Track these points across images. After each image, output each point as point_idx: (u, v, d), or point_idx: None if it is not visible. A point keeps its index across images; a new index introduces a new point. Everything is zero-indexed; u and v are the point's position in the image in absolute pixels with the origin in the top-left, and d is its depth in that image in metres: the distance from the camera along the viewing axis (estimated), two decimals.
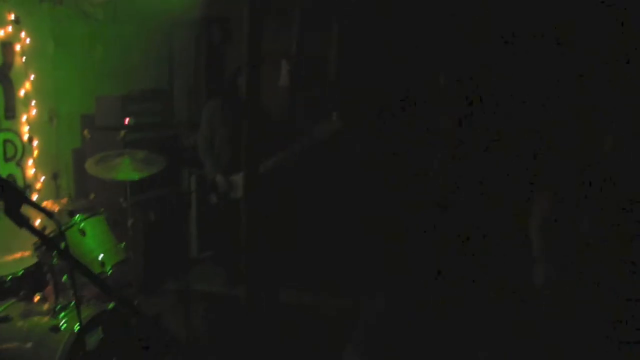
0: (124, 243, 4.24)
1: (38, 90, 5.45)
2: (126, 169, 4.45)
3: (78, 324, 3.50)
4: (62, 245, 2.61)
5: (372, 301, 5.30)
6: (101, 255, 3.89)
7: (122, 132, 5.24)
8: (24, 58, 5.30)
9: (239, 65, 5.61)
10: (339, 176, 5.88)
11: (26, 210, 1.70)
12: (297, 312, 5.30)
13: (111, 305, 3.83)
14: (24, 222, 1.61)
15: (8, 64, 5.20)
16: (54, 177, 4.86)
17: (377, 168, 5.69)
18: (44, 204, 4.46)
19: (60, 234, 3.49)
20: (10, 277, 3.98)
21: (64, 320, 3.57)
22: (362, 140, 5.75)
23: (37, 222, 4.66)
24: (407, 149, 5.50)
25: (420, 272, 5.20)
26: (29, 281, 4.12)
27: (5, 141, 5.22)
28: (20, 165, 5.37)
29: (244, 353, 4.43)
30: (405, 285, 5.29)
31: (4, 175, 4.95)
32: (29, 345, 3.55)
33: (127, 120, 5.68)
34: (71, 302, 3.76)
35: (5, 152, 5.22)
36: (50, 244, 1.72)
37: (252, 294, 5.25)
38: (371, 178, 5.70)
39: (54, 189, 4.89)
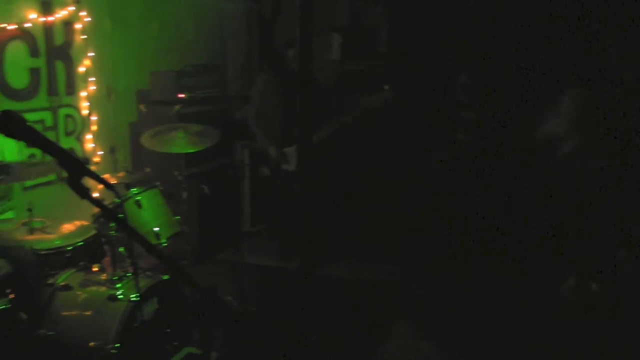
0: (178, 216, 4.31)
1: (96, 66, 5.57)
2: (181, 143, 4.52)
3: (135, 293, 3.60)
4: (121, 216, 2.68)
5: (422, 276, 5.30)
6: (157, 228, 3.96)
7: (177, 107, 5.31)
8: (84, 36, 5.41)
9: (289, 38, 5.63)
10: (390, 148, 5.85)
11: (87, 182, 1.74)
12: (349, 285, 5.33)
13: (166, 276, 3.93)
14: (86, 193, 1.66)
15: (69, 43, 5.32)
16: (111, 150, 4.96)
17: (428, 141, 5.63)
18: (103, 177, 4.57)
19: (120, 205, 3.60)
20: (70, 247, 4.12)
21: (121, 290, 3.68)
22: (413, 111, 5.69)
23: (95, 195, 4.79)
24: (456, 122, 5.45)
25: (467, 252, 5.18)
26: (88, 252, 4.25)
27: (65, 116, 5.36)
28: (80, 139, 5.51)
29: (296, 325, 4.48)
30: (452, 264, 5.27)
31: None
32: (88, 313, 3.68)
33: (181, 95, 5.75)
34: (128, 273, 3.87)
35: (66, 127, 5.37)
36: (110, 214, 1.76)
37: (305, 267, 5.30)
38: (423, 151, 5.64)
39: (111, 162, 5.00)
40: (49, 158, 5.09)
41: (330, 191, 5.68)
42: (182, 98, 5.75)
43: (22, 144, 4.57)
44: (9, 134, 1.66)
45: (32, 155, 5.03)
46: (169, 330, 3.86)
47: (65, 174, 1.65)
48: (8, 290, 3.41)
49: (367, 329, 4.50)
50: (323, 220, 5.50)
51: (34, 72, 5.06)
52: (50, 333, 3.60)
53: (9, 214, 4.28)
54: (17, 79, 4.92)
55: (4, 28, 4.71)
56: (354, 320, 4.66)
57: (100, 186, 1.81)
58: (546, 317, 4.15)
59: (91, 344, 3.45)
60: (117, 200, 3.68)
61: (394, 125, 5.77)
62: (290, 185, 5.50)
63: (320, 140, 5.28)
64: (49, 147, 1.67)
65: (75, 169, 1.65)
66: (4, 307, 3.18)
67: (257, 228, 6.78)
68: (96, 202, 1.71)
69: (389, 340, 4.32)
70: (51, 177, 5.22)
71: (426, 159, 5.58)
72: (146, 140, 4.56)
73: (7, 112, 1.64)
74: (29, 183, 4.97)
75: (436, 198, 5.51)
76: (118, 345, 3.42)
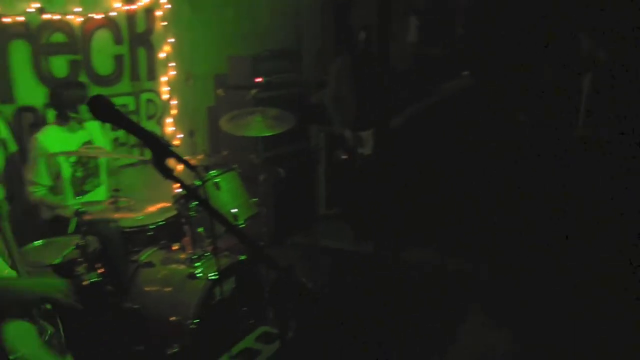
0: (255, 198, 4.41)
1: (176, 52, 5.73)
2: (258, 126, 4.60)
3: (214, 272, 3.73)
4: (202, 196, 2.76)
5: (495, 263, 5.25)
6: (234, 209, 4.07)
7: (254, 91, 5.40)
8: (164, 23, 5.58)
9: (365, 22, 5.63)
10: (467, 134, 5.78)
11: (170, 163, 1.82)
12: (422, 270, 5.32)
13: (244, 256, 4.04)
14: (169, 174, 1.72)
15: (150, 29, 5.49)
16: (190, 134, 5.09)
17: (507, 130, 5.54)
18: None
19: (199, 187, 3.72)
20: (153, 226, 4.29)
21: (200, 269, 3.82)
22: (491, 98, 5.60)
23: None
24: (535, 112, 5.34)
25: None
26: (169, 231, 4.41)
27: (147, 100, 5.56)
28: (160, 123, 5.70)
29: (368, 309, 4.53)
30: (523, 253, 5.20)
31: None
32: (168, 289, 3.84)
33: (258, 79, 5.85)
34: (206, 252, 4.00)
35: (147, 111, 5.56)
36: (192, 193, 1.83)
37: (378, 251, 5.33)
38: (502, 140, 5.56)
39: (190, 145, 5.13)
40: (132, 141, 5.32)
41: (406, 177, 5.67)
42: (258, 82, 5.85)
43: (107, 127, 4.78)
44: (100, 117, 1.75)
45: (116, 138, 5.25)
46: (245, 308, 3.98)
47: (147, 157, 1.73)
48: (97, 265, 3.59)
49: (440, 315, 4.49)
50: (397, 205, 5.51)
51: (118, 58, 5.26)
52: (135, 306, 3.78)
53: (101, 191, 4.48)
54: (103, 65, 5.13)
55: (91, 18, 4.91)
56: (426, 305, 4.65)
57: (180, 168, 1.88)
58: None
59: (172, 318, 3.60)
60: (197, 182, 3.80)
61: (474, 111, 5.69)
62: (366, 169, 5.52)
63: (398, 125, 5.27)
64: (136, 130, 1.74)
65: (159, 150, 1.72)
66: (94, 279, 3.35)
67: (332, 211, 6.84)
68: (179, 181, 1.78)
69: (463, 327, 4.31)
70: (134, 159, 5.44)
71: (506, 147, 5.49)
72: (224, 124, 4.66)
73: (97, 97, 1.73)
74: (113, 165, 5.19)
75: (517, 187, 5.42)
76: (197, 321, 3.55)
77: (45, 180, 4.14)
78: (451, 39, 6.21)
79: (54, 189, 4.22)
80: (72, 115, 4.15)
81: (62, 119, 4.20)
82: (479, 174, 5.69)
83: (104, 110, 1.73)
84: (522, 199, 5.41)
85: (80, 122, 4.19)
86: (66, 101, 4.10)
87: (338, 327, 4.43)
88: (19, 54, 4.46)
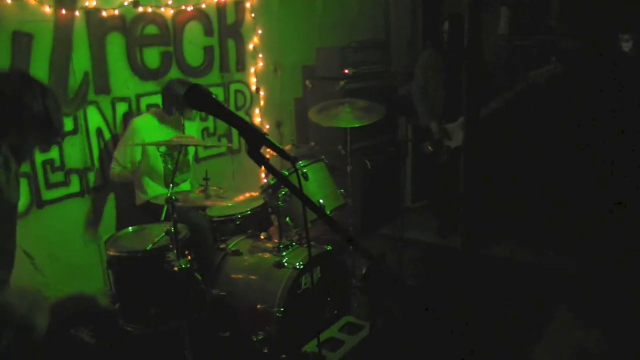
0: (342, 189, 4.39)
1: (265, 43, 5.77)
2: (347, 117, 4.57)
3: (300, 261, 3.74)
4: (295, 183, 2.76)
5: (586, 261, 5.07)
6: (321, 200, 4.06)
7: (342, 82, 5.38)
8: (253, 14, 5.62)
9: (449, 12, 5.54)
10: (559, 125, 5.59)
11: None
12: (511, 267, 5.19)
13: (329, 247, 4.03)
14: (264, 162, 1.72)
15: (239, 21, 5.55)
16: (277, 125, 5.13)
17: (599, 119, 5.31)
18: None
19: (290, 175, 3.73)
20: (240, 215, 4.35)
21: (286, 258, 3.83)
22: (580, 85, 5.38)
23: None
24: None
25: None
26: (256, 220, 4.46)
27: (236, 91, 5.62)
28: (249, 113, 5.76)
29: (454, 303, 4.45)
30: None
31: None
32: (255, 277, 3.87)
33: (346, 71, 5.82)
34: (293, 242, 4.02)
35: (236, 102, 5.63)
36: (285, 181, 1.81)
37: (466, 246, 5.21)
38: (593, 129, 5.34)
39: (277, 136, 5.17)
40: (220, 132, 5.40)
41: (495, 169, 5.54)
42: (346, 74, 5.82)
43: (198, 119, 4.87)
44: (197, 106, 1.77)
45: (205, 129, 5.35)
46: (329, 299, 3.97)
47: (235, 147, 1.72)
48: (187, 252, 3.66)
49: (528, 313, 4.37)
50: (485, 198, 5.38)
51: (208, 50, 5.34)
52: (222, 294, 3.84)
53: (187, 185, 4.59)
54: (194, 56, 5.21)
55: (183, 10, 5.00)
56: (514, 303, 4.54)
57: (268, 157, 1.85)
58: None
59: (258, 306, 3.63)
60: (285, 172, 3.82)
61: (563, 101, 5.50)
62: (453, 161, 5.42)
63: (485, 116, 5.15)
64: (232, 118, 1.74)
65: (255, 138, 1.72)
66: (184, 266, 3.41)
67: (418, 204, 6.76)
68: (273, 169, 1.77)
69: (550, 326, 4.18)
70: (222, 149, 5.53)
71: (599, 138, 5.28)
72: (313, 115, 4.66)
73: (195, 86, 1.74)
74: (202, 154, 5.29)
75: (612, 181, 5.21)
76: (283, 309, 3.57)
77: (127, 162, 4.29)
78: (543, 30, 6.01)
79: (145, 172, 4.35)
80: (176, 113, 4.26)
81: (166, 112, 4.32)
82: (571, 167, 5.50)
83: (201, 99, 1.74)
84: (616, 193, 5.20)
85: (179, 123, 4.27)
86: (176, 97, 4.19)
87: (424, 320, 4.38)
88: (115, 46, 4.59)
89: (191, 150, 4.65)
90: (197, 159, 5.17)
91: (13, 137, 2.11)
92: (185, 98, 1.72)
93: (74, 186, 4.39)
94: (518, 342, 3.98)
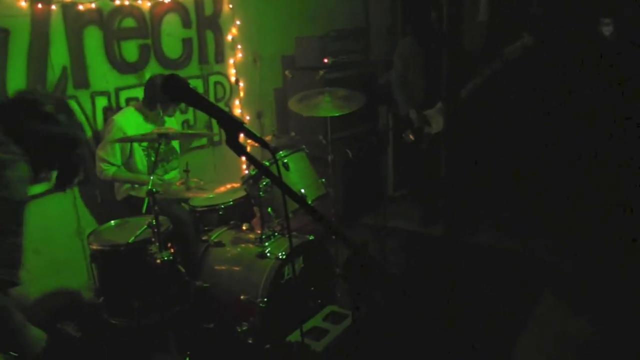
0: (323, 179, 4.40)
1: (243, 34, 5.76)
2: (327, 107, 4.58)
3: (282, 252, 3.75)
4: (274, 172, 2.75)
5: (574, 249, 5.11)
6: (303, 190, 4.07)
7: (322, 72, 5.39)
8: (231, 5, 5.60)
9: (435, 2, 5.54)
10: (540, 107, 5.61)
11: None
12: (494, 254, 5.23)
13: (311, 237, 4.05)
14: (243, 151, 1.72)
15: (217, 12, 5.53)
16: (258, 115, 5.12)
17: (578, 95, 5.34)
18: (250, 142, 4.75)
19: (271, 165, 3.73)
20: (223, 206, 4.35)
21: (268, 248, 3.85)
22: (555, 57, 5.40)
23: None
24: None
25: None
26: (238, 211, 4.47)
27: (215, 83, 5.61)
28: (229, 105, 5.76)
29: (437, 290, 4.49)
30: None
31: None
32: (238, 268, 3.89)
33: (326, 60, 5.83)
34: (275, 232, 4.03)
35: (215, 94, 5.62)
36: (264, 170, 1.82)
37: (448, 233, 5.26)
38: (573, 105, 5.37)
39: (258, 127, 5.16)
40: (200, 125, 5.39)
41: (476, 155, 5.58)
42: (326, 63, 5.82)
43: (177, 112, 4.85)
44: (175, 97, 1.77)
45: (185, 121, 5.34)
46: (313, 288, 4.00)
47: (216, 139, 1.72)
48: (169, 244, 3.66)
49: (512, 299, 4.41)
50: (467, 185, 5.43)
51: (187, 42, 5.32)
52: (205, 285, 3.85)
53: (173, 174, 4.58)
54: (172, 49, 5.19)
55: (160, 2, 4.98)
56: (498, 289, 4.58)
57: (248, 150, 1.86)
58: None
59: (242, 297, 3.64)
60: (266, 163, 3.83)
61: (540, 78, 5.52)
62: (434, 149, 5.45)
63: (464, 97, 5.18)
64: (210, 108, 1.75)
65: (233, 127, 1.72)
66: (166, 258, 3.41)
67: (400, 193, 6.79)
68: (252, 158, 1.78)
69: (534, 312, 4.22)
70: (203, 141, 5.52)
71: (579, 122, 5.32)
72: (293, 105, 4.66)
73: (172, 76, 1.74)
74: (185, 147, 5.27)
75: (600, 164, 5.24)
76: (266, 299, 3.58)
77: (118, 159, 4.27)
78: (523, 18, 6.04)
79: (127, 167, 4.34)
80: (160, 110, 4.25)
81: (148, 107, 4.31)
82: (554, 151, 5.54)
83: (179, 89, 1.74)
84: (601, 177, 5.24)
85: (160, 118, 4.27)
86: (160, 94, 4.17)
87: (407, 308, 4.41)
88: (93, 40, 4.57)
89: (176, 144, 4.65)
90: (181, 151, 5.16)
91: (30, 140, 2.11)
92: (163, 88, 1.73)
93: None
94: (502, 328, 4.02)
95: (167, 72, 5.03)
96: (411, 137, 5.60)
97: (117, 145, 4.23)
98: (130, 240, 3.60)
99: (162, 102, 4.22)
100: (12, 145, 1.92)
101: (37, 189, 4.22)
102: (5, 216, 1.80)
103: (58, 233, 4.45)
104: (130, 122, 4.27)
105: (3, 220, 1.80)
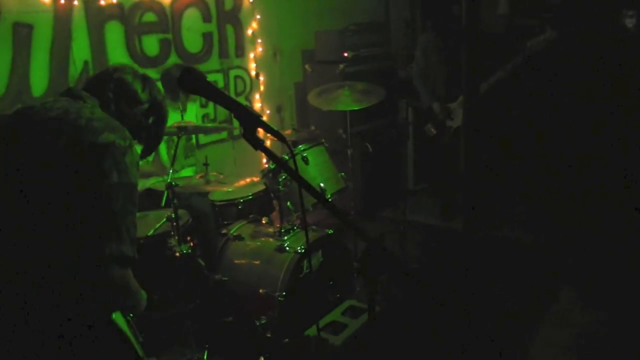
0: (342, 173, 4.39)
1: (263, 28, 5.77)
2: (346, 100, 4.57)
3: (301, 245, 3.76)
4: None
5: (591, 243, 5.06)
6: (322, 183, 4.07)
7: (341, 65, 5.37)
8: (251, 0, 5.61)
9: None
10: (561, 103, 5.56)
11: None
12: (514, 248, 5.19)
13: (331, 230, 4.05)
14: (260, 145, 1.72)
15: (237, 6, 5.54)
16: (277, 109, 5.14)
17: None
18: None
19: (290, 159, 3.73)
20: (242, 200, 4.36)
21: (287, 242, 3.85)
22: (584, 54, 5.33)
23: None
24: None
25: None
26: (257, 205, 4.47)
27: (235, 77, 5.62)
28: (249, 99, 5.77)
29: (457, 285, 4.46)
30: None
31: None
32: (257, 262, 3.89)
33: (345, 54, 5.81)
34: (294, 226, 4.04)
35: (235, 87, 5.63)
36: (282, 164, 1.82)
37: (467, 228, 5.21)
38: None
39: (278, 121, 5.18)
40: (221, 118, 5.41)
41: (497, 149, 5.54)
42: (346, 57, 5.81)
43: (197, 105, 4.87)
44: (192, 90, 1.77)
45: (205, 115, 5.36)
46: (332, 282, 4.00)
47: (236, 132, 1.72)
48: (189, 238, 3.68)
49: (532, 294, 4.38)
50: (487, 179, 5.38)
51: (207, 36, 5.34)
52: (225, 279, 3.86)
53: (190, 171, 4.60)
54: (193, 43, 5.22)
55: None
56: (517, 283, 4.55)
57: (268, 144, 1.86)
58: None
59: (260, 290, 3.65)
60: (285, 157, 3.83)
61: (562, 72, 5.46)
62: (455, 143, 5.41)
63: (486, 90, 5.13)
64: (227, 101, 1.75)
65: (250, 120, 1.72)
66: (185, 251, 3.43)
67: (420, 186, 6.77)
68: (269, 152, 1.78)
69: (554, 307, 4.19)
70: (223, 135, 5.53)
71: (600, 117, 5.26)
72: (313, 99, 4.66)
73: (189, 69, 1.74)
74: (203, 141, 5.30)
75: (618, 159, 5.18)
76: (285, 293, 3.59)
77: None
78: (544, 9, 5.97)
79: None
80: (183, 97, 4.27)
81: (172, 100, 4.33)
82: (574, 147, 5.48)
83: (196, 83, 1.75)
84: (621, 171, 5.18)
85: (182, 105, 4.30)
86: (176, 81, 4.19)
87: (426, 302, 4.40)
88: (114, 35, 4.61)
89: (193, 135, 4.66)
90: (198, 145, 5.19)
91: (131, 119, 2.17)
92: (179, 82, 1.73)
93: None
94: (521, 322, 4.00)
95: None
96: (433, 130, 5.57)
97: None
98: (149, 234, 3.61)
99: (175, 88, 4.24)
100: (126, 131, 1.96)
101: None
102: (128, 199, 1.87)
103: None
104: None
105: (126, 203, 1.86)
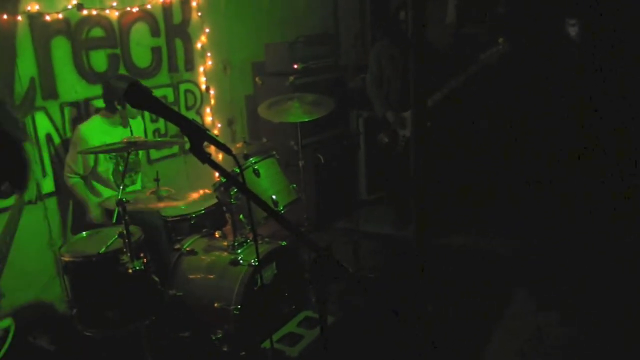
0: (294, 184, 4.41)
1: (213, 42, 5.76)
2: (296, 112, 4.58)
3: (255, 258, 3.76)
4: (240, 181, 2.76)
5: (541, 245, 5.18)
6: (274, 195, 4.08)
7: (291, 77, 5.39)
8: (200, 13, 5.60)
9: (400, 1, 5.58)
10: (511, 106, 5.68)
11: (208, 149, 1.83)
12: (467, 254, 5.27)
13: (284, 242, 4.06)
14: (207, 158, 1.73)
15: (186, 20, 5.53)
16: (229, 123, 5.13)
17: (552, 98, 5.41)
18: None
19: (240, 172, 3.73)
20: (194, 214, 4.35)
21: (241, 255, 3.86)
22: (531, 64, 5.46)
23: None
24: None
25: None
26: (210, 219, 4.46)
27: (185, 91, 5.60)
28: (199, 113, 5.75)
29: (411, 293, 4.51)
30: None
31: None
32: (211, 276, 3.89)
33: (295, 65, 5.84)
34: (248, 239, 4.04)
35: (186, 102, 5.61)
36: (231, 179, 1.83)
37: (421, 236, 5.27)
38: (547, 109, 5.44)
39: (229, 134, 5.17)
40: (172, 132, 5.38)
41: (447, 157, 5.62)
42: (296, 69, 5.84)
43: (146, 121, 4.84)
44: (136, 105, 1.77)
45: (156, 130, 5.32)
46: (287, 294, 4.01)
47: (187, 147, 1.72)
48: (142, 254, 3.65)
49: (487, 298, 4.46)
50: (439, 188, 5.46)
51: (156, 50, 5.30)
52: (179, 294, 3.85)
53: (137, 185, 4.57)
54: (142, 58, 5.18)
55: (129, 11, 4.97)
56: (472, 289, 4.62)
57: (220, 158, 1.88)
58: None
59: (215, 304, 3.64)
60: (236, 170, 3.82)
61: (514, 83, 5.59)
62: (408, 152, 5.48)
63: (435, 103, 5.22)
64: (172, 115, 1.76)
65: (197, 135, 1.73)
66: (138, 268, 3.40)
67: (373, 196, 6.82)
68: (217, 166, 1.79)
69: (508, 310, 4.27)
70: (175, 149, 5.50)
71: (546, 122, 5.39)
72: (263, 111, 4.67)
73: (134, 84, 1.74)
74: (154, 156, 5.26)
75: (566, 163, 5.31)
76: (240, 306, 3.59)
77: (80, 169, 4.27)
78: (491, 18, 6.11)
79: (85, 180, 4.33)
80: (119, 108, 4.24)
81: (109, 111, 4.30)
82: (524, 150, 5.60)
83: (141, 97, 1.75)
84: (571, 176, 5.31)
85: (125, 120, 4.28)
86: (116, 93, 4.18)
87: (380, 311, 4.43)
88: (61, 50, 4.54)
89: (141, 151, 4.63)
90: (149, 160, 5.15)
91: None
92: (125, 97, 1.73)
93: (27, 194, 4.33)
94: (475, 328, 4.06)
95: (126, 74, 4.98)
96: (385, 139, 5.63)
97: (79, 155, 4.22)
98: (101, 251, 3.57)
99: (114, 100, 4.23)
100: None
101: (6, 202, 4.20)
102: None
103: (29, 246, 4.40)
104: (95, 130, 4.24)
105: None
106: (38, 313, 4.46)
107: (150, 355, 3.57)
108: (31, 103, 4.35)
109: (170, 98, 5.45)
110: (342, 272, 1.90)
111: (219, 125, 5.83)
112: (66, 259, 3.65)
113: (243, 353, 3.64)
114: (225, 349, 3.65)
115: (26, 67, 4.31)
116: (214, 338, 3.64)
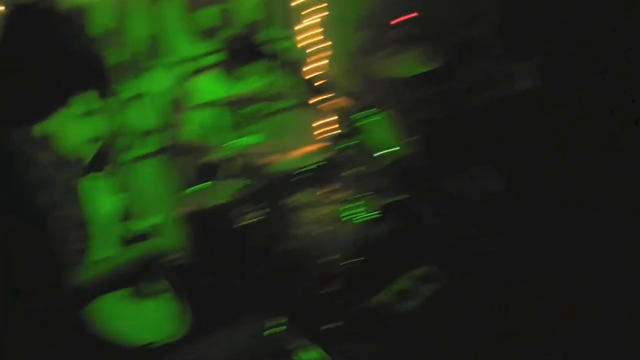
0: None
1: None
2: None
3: (369, 213, 3.74)
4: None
5: None
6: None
7: None
8: None
9: None
10: None
11: None
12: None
13: (396, 197, 4.00)
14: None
15: None
16: None
17: None
18: None
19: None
20: (306, 168, 4.34)
21: (349, 212, 3.85)
22: None
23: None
24: None
25: None
26: (321, 174, 4.45)
27: None
28: None
29: None
30: None
31: None
32: (322, 230, 3.89)
33: None
34: (359, 194, 4.00)
35: None
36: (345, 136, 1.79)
37: None
38: None
39: None
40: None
41: None
42: None
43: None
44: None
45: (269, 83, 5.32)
46: (400, 249, 3.96)
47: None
48: (252, 207, 3.70)
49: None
50: None
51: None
52: (290, 248, 3.88)
53: (254, 138, 4.60)
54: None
55: None
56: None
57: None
58: None
59: (327, 258, 3.66)
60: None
61: None
62: None
63: None
64: None
65: None
66: (252, 220, 3.45)
67: None
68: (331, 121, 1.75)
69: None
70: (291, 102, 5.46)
71: None
72: None
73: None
74: (266, 110, 5.27)
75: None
76: (352, 260, 3.60)
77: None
78: None
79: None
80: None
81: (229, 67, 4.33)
82: None
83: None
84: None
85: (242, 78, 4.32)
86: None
87: None
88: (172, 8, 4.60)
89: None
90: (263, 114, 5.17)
91: None
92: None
93: None
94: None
95: None
96: None
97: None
98: (218, 202, 3.64)
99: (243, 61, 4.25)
100: None
101: None
102: None
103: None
104: (208, 85, 4.30)
105: None
106: None
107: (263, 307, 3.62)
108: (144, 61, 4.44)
109: None
110: None
111: None
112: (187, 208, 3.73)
113: (354, 307, 3.64)
114: (336, 303, 3.65)
115: (139, 27, 4.38)
116: (324, 292, 3.65)
